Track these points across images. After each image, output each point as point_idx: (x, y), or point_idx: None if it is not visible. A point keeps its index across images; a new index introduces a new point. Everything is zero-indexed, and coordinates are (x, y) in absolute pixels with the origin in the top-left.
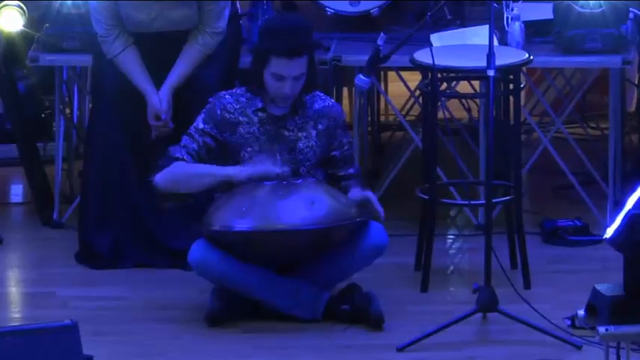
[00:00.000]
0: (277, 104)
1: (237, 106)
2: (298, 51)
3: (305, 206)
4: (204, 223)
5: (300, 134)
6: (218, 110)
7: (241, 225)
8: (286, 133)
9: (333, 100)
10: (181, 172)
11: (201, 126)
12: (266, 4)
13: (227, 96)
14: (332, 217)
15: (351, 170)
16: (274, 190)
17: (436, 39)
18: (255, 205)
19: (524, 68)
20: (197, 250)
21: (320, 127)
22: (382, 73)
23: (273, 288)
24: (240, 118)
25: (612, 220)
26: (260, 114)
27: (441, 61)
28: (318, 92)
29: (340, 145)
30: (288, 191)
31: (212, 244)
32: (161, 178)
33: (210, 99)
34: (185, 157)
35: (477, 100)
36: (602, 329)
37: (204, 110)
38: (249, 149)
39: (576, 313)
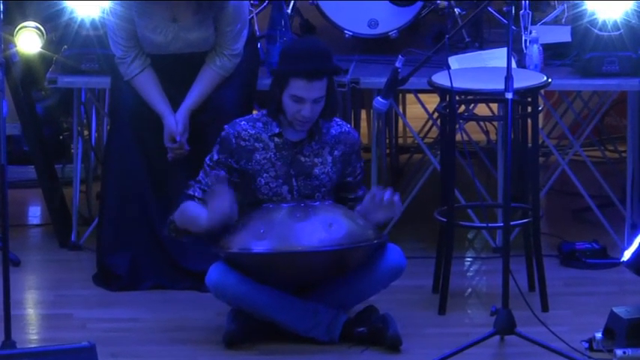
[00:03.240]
0: (295, 128)
1: (253, 132)
2: (318, 73)
3: (323, 228)
4: (222, 245)
5: (316, 160)
6: (232, 139)
7: (259, 247)
8: (302, 158)
9: (349, 126)
10: (182, 216)
11: (215, 157)
12: (284, 25)
13: (242, 122)
14: (350, 238)
15: (360, 192)
16: (292, 213)
17: (454, 61)
18: (273, 228)
19: (542, 91)
20: (214, 273)
21: (336, 153)
22: (400, 95)
23: (290, 310)
24: (256, 144)
25: (630, 243)
26: (276, 139)
27: (459, 83)
28: (335, 117)
29: (354, 172)
30: (306, 213)
31: (230, 266)
32: (176, 217)
33: (225, 126)
34: (197, 194)
35: (495, 123)
36: (619, 352)
37: (218, 139)
38: (265, 175)
39: (594, 336)
